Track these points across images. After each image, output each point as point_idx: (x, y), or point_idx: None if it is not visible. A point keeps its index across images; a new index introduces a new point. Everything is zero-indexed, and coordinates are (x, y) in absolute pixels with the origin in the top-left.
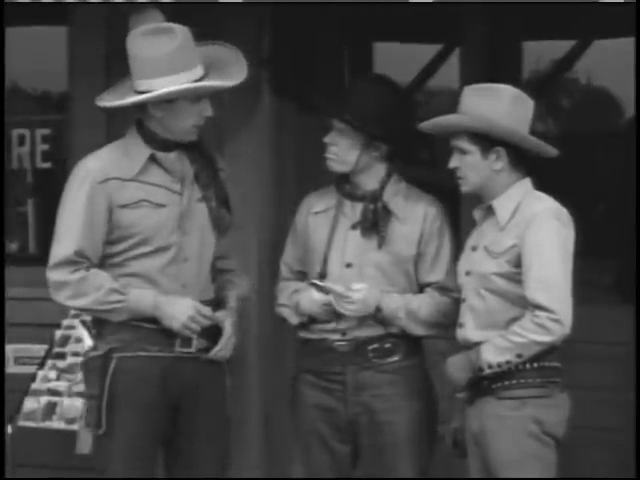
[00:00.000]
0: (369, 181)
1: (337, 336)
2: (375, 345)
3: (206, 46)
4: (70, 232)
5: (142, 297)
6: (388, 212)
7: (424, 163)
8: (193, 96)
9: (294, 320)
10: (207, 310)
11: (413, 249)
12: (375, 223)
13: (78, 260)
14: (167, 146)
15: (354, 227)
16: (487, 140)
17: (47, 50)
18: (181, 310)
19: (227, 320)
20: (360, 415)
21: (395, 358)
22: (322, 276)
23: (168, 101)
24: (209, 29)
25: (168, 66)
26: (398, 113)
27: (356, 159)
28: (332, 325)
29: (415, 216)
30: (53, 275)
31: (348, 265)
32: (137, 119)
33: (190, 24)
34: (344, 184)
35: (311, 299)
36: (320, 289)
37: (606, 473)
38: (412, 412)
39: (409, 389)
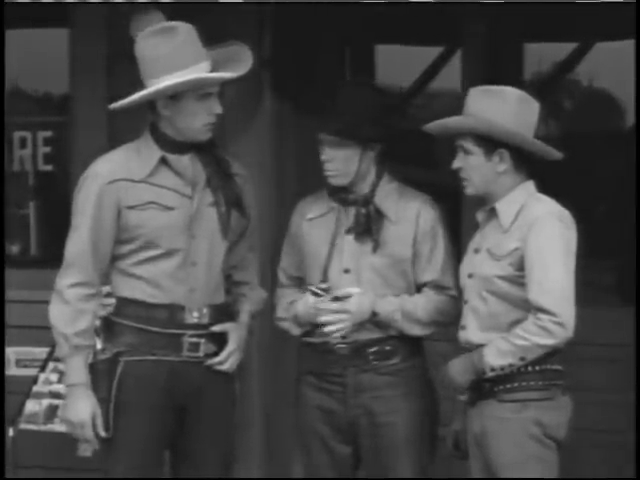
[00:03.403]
0: (361, 185)
1: (338, 339)
2: (375, 347)
3: (215, 49)
4: (78, 236)
5: (76, 369)
6: (380, 215)
7: (426, 164)
8: (198, 92)
9: (295, 331)
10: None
11: (409, 250)
12: (368, 227)
13: (81, 272)
14: (179, 148)
15: (348, 232)
16: (491, 142)
17: (48, 52)
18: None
19: (233, 334)
20: (360, 417)
21: (395, 360)
22: (321, 283)
23: (174, 99)
24: (210, 29)
25: (172, 63)
26: (385, 111)
27: (357, 168)
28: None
29: (408, 216)
30: (58, 280)
31: (346, 271)
32: (151, 122)
33: (191, 24)
34: (337, 190)
35: (307, 304)
36: (317, 294)
37: (606, 474)
38: (412, 413)
39: (409, 390)
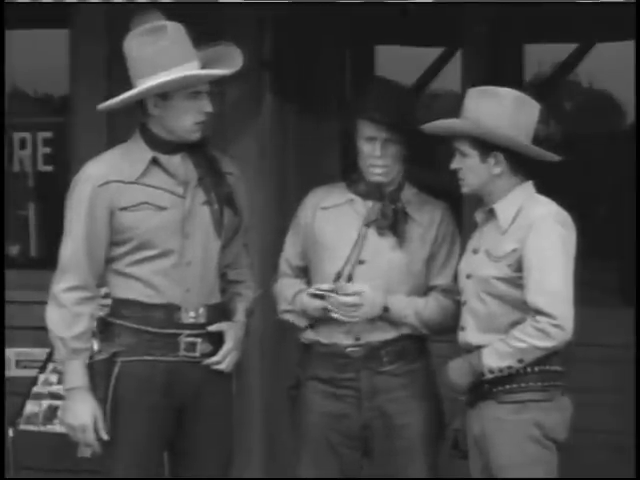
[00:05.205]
0: (390, 183)
1: (350, 340)
2: (388, 348)
3: (206, 50)
4: (72, 240)
5: (74, 372)
6: (405, 213)
7: (426, 164)
8: (188, 91)
9: (302, 323)
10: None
11: (427, 251)
12: (394, 223)
13: (77, 275)
14: (170, 149)
15: (368, 225)
16: (486, 144)
17: (48, 53)
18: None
19: (229, 333)
20: (374, 419)
21: (407, 361)
22: (339, 275)
23: (164, 98)
24: (210, 30)
25: (161, 63)
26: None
27: (399, 165)
28: (345, 328)
29: (431, 219)
30: (53, 285)
31: (361, 262)
32: (141, 123)
33: (191, 25)
34: (357, 182)
35: (313, 306)
36: (318, 296)
37: (606, 475)
38: (425, 414)
39: (420, 391)
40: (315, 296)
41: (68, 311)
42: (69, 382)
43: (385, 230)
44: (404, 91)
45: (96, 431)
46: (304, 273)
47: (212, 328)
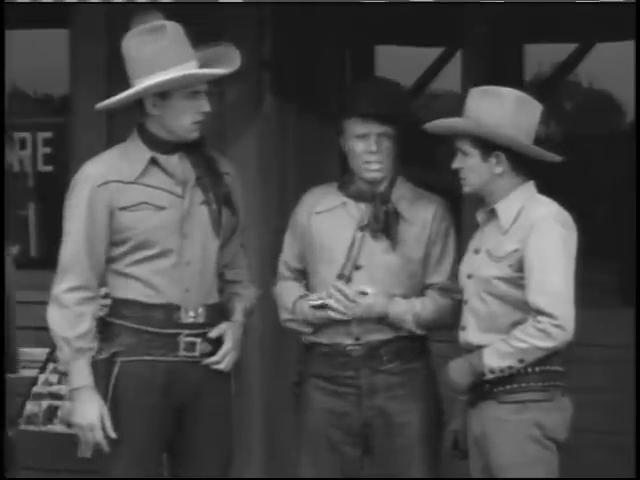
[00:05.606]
0: (382, 182)
1: (350, 340)
2: (388, 348)
3: (204, 50)
4: (72, 240)
5: (80, 372)
6: (397, 214)
7: (426, 164)
8: (187, 90)
9: (308, 329)
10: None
11: (422, 250)
12: (387, 226)
13: (78, 276)
14: (168, 148)
15: (362, 228)
16: (487, 144)
17: (48, 53)
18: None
19: (228, 333)
20: (374, 418)
21: (407, 360)
22: (340, 278)
23: (163, 98)
24: (210, 30)
25: (160, 62)
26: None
27: (391, 162)
28: (346, 329)
29: (424, 217)
30: (54, 286)
31: (358, 267)
32: (139, 123)
33: (191, 25)
34: (348, 184)
35: (313, 316)
36: (320, 307)
37: (606, 476)
38: (425, 412)
39: (421, 390)
40: (315, 307)
41: (70, 311)
42: (75, 382)
43: (379, 233)
44: (392, 84)
45: (104, 429)
46: (303, 276)
47: (212, 334)
